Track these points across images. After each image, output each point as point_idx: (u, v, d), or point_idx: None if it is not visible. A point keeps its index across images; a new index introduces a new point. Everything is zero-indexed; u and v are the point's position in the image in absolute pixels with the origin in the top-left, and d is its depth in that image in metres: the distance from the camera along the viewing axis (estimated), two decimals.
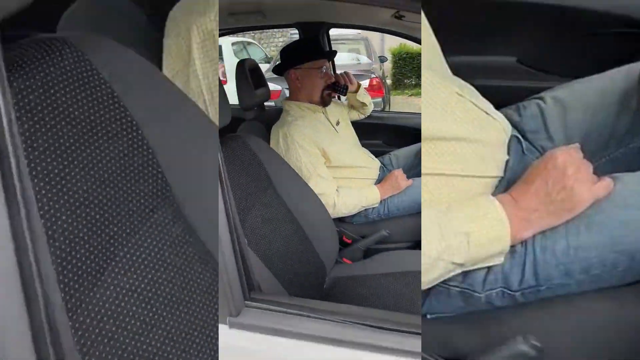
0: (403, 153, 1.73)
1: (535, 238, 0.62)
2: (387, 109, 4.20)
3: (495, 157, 0.77)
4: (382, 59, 5.13)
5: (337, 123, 1.57)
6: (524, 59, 1.28)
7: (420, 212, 1.44)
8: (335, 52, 1.67)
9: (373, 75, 4.07)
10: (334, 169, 1.44)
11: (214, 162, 0.61)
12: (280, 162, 1.21)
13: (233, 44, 5.28)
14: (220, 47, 4.98)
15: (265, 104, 1.71)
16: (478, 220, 0.61)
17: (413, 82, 7.13)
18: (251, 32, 7.00)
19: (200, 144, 0.61)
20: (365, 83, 3.98)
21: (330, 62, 1.80)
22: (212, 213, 0.58)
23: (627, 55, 1.05)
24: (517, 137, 0.87)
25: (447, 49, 0.88)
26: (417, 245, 1.56)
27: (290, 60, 1.44)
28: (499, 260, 0.62)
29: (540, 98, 0.95)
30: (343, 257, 1.39)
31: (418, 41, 1.63)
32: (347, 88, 1.52)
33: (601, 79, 0.93)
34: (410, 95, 6.84)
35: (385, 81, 4.63)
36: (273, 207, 1.10)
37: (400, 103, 6.30)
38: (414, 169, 1.68)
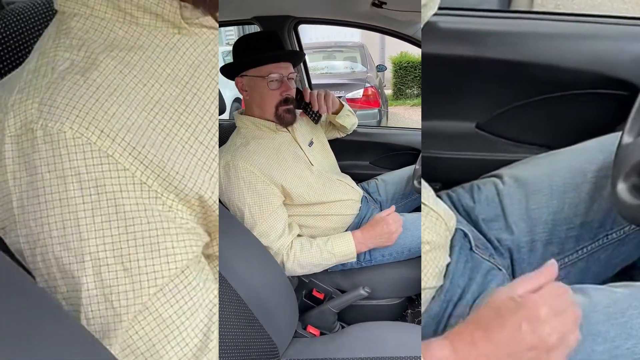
0: (392, 178, 1.39)
1: None
2: (384, 122, 3.87)
3: (432, 262, 0.61)
4: (381, 68, 4.83)
5: (310, 143, 1.22)
6: (484, 124, 1.05)
7: (411, 259, 1.10)
8: (293, 53, 1.28)
9: (368, 85, 3.75)
10: (298, 207, 1.10)
11: None
12: None
13: (225, 53, 5.01)
14: None
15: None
16: None
17: (414, 92, 6.89)
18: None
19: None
20: (359, 93, 3.67)
21: (299, 66, 1.47)
22: None
23: (602, 119, 0.93)
24: (463, 231, 0.69)
25: None
26: (406, 301, 1.21)
27: (235, 63, 1.10)
28: None
29: (499, 177, 0.79)
30: (308, 323, 1.04)
31: (399, 36, 1.30)
32: (320, 117, 1.19)
33: (570, 153, 0.77)
34: (412, 106, 6.58)
35: (382, 91, 4.31)
36: None
37: (401, 114, 6.02)
38: (404, 199, 1.34)
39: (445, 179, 0.95)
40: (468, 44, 0.96)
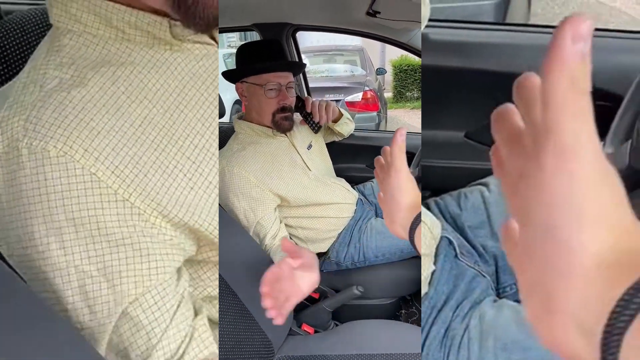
0: None
1: None
2: (383, 125, 3.90)
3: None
4: (380, 71, 4.85)
5: (309, 147, 1.25)
6: (472, 134, 1.07)
7: (404, 260, 1.13)
8: (293, 63, 1.30)
9: (367, 88, 3.77)
10: (295, 209, 1.13)
11: None
12: None
13: (226, 55, 5.02)
14: None
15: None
16: None
17: (414, 95, 6.90)
18: None
19: None
20: (358, 96, 3.70)
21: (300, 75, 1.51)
22: None
23: None
24: (448, 239, 0.69)
25: None
26: (399, 301, 1.24)
27: (237, 69, 1.13)
28: None
29: (485, 185, 0.80)
30: (303, 321, 1.07)
31: (394, 43, 1.33)
32: (320, 127, 1.22)
33: None
34: (412, 108, 6.60)
35: (381, 95, 4.33)
36: None
37: (400, 117, 6.04)
38: None
39: (435, 187, 0.96)
40: (459, 55, 0.99)
